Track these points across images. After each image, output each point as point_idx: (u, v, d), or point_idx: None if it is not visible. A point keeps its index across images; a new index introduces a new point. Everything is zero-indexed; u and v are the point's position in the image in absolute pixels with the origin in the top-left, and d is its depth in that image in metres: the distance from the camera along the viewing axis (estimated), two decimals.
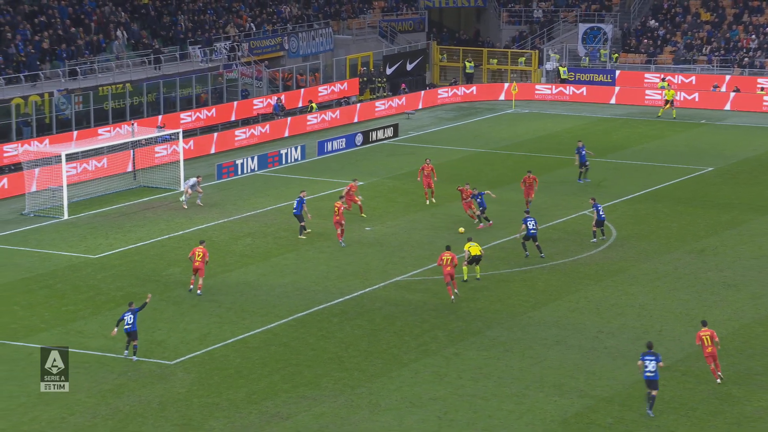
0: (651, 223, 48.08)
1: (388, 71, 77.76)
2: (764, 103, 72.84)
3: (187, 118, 63.70)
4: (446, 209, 49.43)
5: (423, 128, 68.66)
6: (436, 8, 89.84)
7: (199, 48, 69.64)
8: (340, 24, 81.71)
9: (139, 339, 33.77)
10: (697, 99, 73.81)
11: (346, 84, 73.90)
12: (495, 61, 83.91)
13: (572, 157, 56.08)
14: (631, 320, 37.06)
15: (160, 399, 31.17)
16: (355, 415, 30.30)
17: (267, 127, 64.83)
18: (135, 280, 40.89)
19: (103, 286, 40.36)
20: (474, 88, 77.82)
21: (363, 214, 48.32)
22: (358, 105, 72.01)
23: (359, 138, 63.83)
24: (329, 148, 62.00)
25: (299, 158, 60.05)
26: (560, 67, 79.07)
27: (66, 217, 49.05)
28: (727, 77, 75.83)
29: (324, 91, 72.23)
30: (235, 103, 67.15)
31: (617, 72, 78.41)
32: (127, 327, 33.36)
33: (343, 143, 62.91)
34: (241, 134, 63.66)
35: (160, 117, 61.56)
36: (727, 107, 73.09)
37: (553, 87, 77.54)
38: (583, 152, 54.35)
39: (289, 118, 66.76)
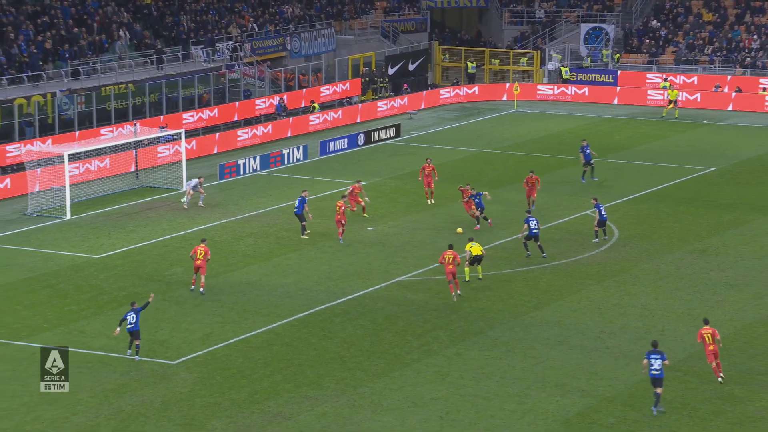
0: (653, 223, 48.10)
1: (390, 71, 77.81)
2: (766, 104, 72.84)
3: (190, 118, 63.76)
4: (448, 209, 49.46)
5: (425, 128, 68.69)
6: (438, 8, 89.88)
7: (201, 48, 69.71)
8: (342, 24, 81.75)
9: (141, 339, 33.81)
10: (699, 99, 73.82)
11: (348, 84, 73.95)
12: (497, 61, 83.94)
13: (574, 157, 56.10)
14: (633, 320, 37.09)
15: (162, 399, 31.21)
16: (357, 414, 30.33)
17: (269, 127, 64.88)
18: (137, 280, 40.94)
19: (105, 286, 40.41)
20: (476, 89, 77.85)
21: (365, 215, 48.36)
22: (360, 105, 72.06)
23: (361, 138, 63.87)
24: (331, 148, 62.04)
25: (301, 158, 60.10)
26: (562, 68, 79.09)
27: (68, 217, 49.10)
28: (729, 77, 75.83)
29: (326, 91, 72.27)
30: (238, 103, 67.22)
31: (619, 72, 78.44)
32: (129, 326, 33.40)
33: (345, 143, 62.95)
34: (243, 134, 63.72)
35: (161, 117, 61.59)
36: (729, 107, 73.10)
37: (555, 87, 77.56)
38: (588, 151, 54.38)
39: (291, 119, 66.83)
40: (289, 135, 65.41)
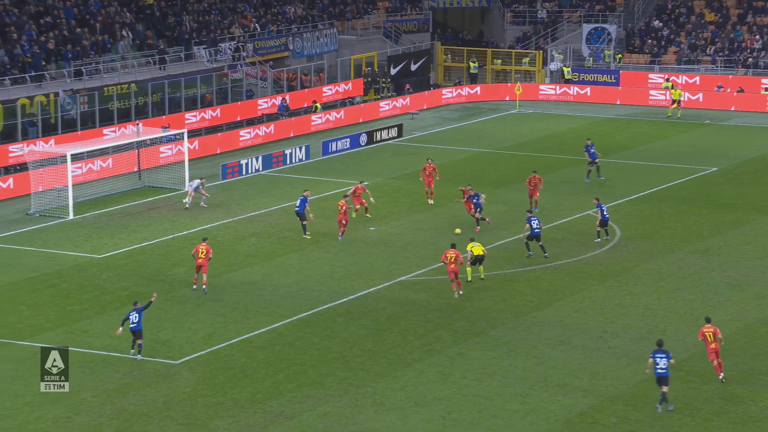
0: (655, 223, 48.13)
1: (393, 71, 77.85)
2: None
3: (192, 118, 63.81)
4: (450, 209, 49.48)
5: (427, 128, 68.73)
6: (440, 8, 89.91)
7: (204, 48, 69.78)
8: (344, 24, 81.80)
9: (144, 338, 33.87)
10: (701, 99, 73.83)
11: (350, 84, 73.98)
12: (499, 61, 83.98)
13: (575, 157, 56.13)
14: (635, 320, 37.12)
15: (165, 398, 31.26)
16: (359, 414, 30.38)
17: (271, 127, 64.93)
18: (140, 280, 41.00)
19: (108, 286, 40.47)
20: (478, 89, 77.89)
21: (368, 214, 48.40)
22: (363, 105, 72.10)
23: (363, 138, 63.91)
24: (333, 148, 62.09)
25: (304, 158, 60.15)
26: (564, 68, 79.12)
27: (71, 217, 49.16)
28: (731, 77, 75.82)
29: (328, 91, 72.31)
30: (240, 103, 67.28)
31: (621, 72, 78.45)
32: (132, 326, 33.46)
33: (348, 143, 62.98)
34: (245, 134, 63.77)
35: (164, 118, 61.65)
36: (732, 107, 73.10)
37: (557, 87, 77.58)
38: (592, 150, 54.42)
39: (293, 118, 66.87)
40: (291, 135, 65.46)
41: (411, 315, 37.56)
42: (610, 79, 78.44)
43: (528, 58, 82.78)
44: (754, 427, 29.78)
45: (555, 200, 51.07)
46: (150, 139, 56.46)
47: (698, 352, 33.41)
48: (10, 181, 52.75)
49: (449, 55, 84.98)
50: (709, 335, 31.79)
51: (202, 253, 39.23)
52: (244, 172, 56.95)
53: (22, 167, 53.91)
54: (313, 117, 67.53)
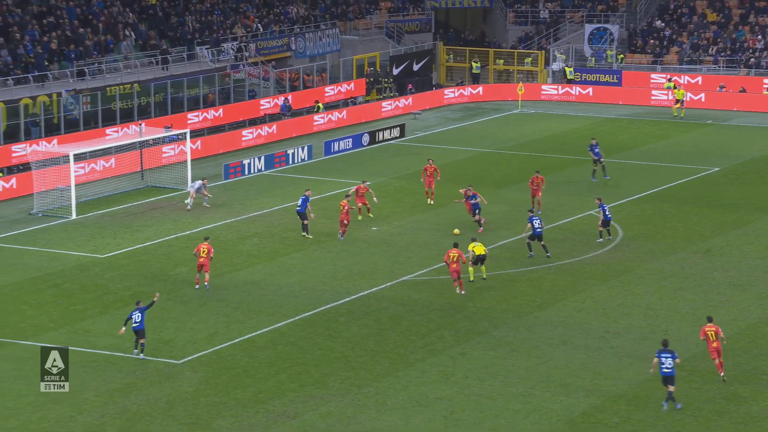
0: (657, 223, 48.15)
1: (395, 71, 77.88)
2: None
3: (195, 118, 63.86)
4: (453, 210, 49.49)
5: (429, 128, 68.76)
6: (443, 9, 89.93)
7: (206, 48, 69.84)
8: (346, 24, 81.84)
9: (146, 338, 33.92)
10: (703, 99, 73.83)
11: (352, 84, 74.02)
12: (501, 61, 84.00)
13: (577, 157, 56.16)
14: (638, 320, 37.15)
15: (167, 398, 31.30)
16: (361, 414, 30.42)
17: (274, 127, 64.97)
18: (143, 280, 41.05)
19: (111, 286, 40.52)
20: (480, 89, 77.91)
21: (370, 214, 48.44)
22: (365, 105, 72.13)
23: (366, 138, 63.95)
24: (336, 148, 62.13)
25: (306, 158, 60.19)
26: (566, 68, 79.13)
27: (74, 216, 49.22)
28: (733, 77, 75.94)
29: (331, 91, 72.35)
30: (242, 103, 67.32)
31: (623, 72, 78.47)
32: (135, 325, 33.52)
33: (350, 143, 63.02)
34: (248, 134, 63.81)
35: (166, 118, 61.76)
36: (734, 107, 73.09)
37: (560, 87, 77.60)
38: (596, 150, 54.45)
39: (295, 119, 66.91)
40: (293, 135, 65.50)
41: (413, 315, 37.60)
42: (613, 79, 78.45)
43: (530, 59, 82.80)
44: (756, 426, 29.80)
45: (557, 200, 51.09)
46: (153, 139, 56.52)
47: (700, 351, 33.44)
48: (13, 181, 52.82)
49: (451, 56, 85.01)
50: (711, 334, 31.84)
51: (204, 252, 39.35)
52: (246, 172, 57.00)
53: (24, 167, 53.99)
54: (316, 117, 67.58)
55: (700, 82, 75.98)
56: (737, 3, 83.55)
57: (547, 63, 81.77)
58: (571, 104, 75.74)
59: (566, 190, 53.21)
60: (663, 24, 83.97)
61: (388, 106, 72.07)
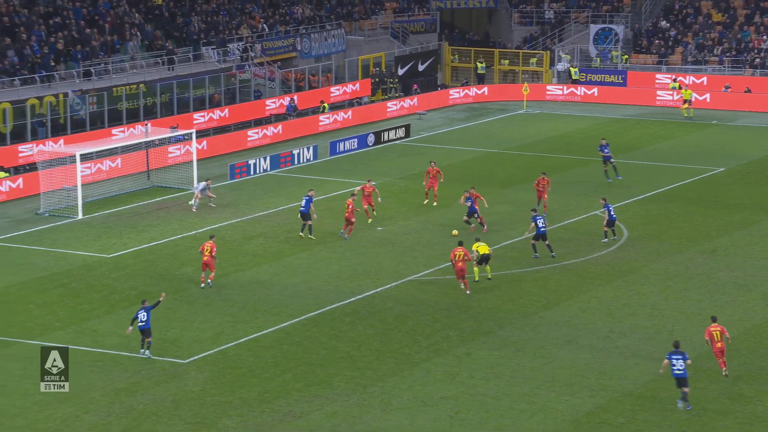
0: (662, 223, 48.18)
1: (400, 72, 77.95)
2: None
3: (200, 118, 63.98)
4: (457, 210, 49.53)
5: (434, 129, 68.82)
6: (448, 9, 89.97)
7: (212, 49, 69.93)
8: (352, 25, 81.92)
9: (153, 337, 34.00)
10: (708, 100, 73.83)
11: (358, 84, 74.10)
12: (506, 61, 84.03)
13: (583, 157, 56.20)
14: (643, 320, 37.18)
15: (173, 397, 31.39)
16: (367, 413, 30.48)
17: (279, 127, 65.06)
18: (149, 279, 41.15)
19: (117, 285, 40.62)
20: (485, 89, 77.96)
21: (374, 212, 48.50)
22: (370, 105, 72.20)
23: (371, 138, 64.02)
24: (341, 148, 62.21)
25: (311, 158, 60.28)
26: (571, 68, 79.16)
27: (80, 216, 49.33)
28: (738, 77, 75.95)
29: (336, 91, 72.43)
30: (248, 103, 67.41)
31: (628, 73, 78.48)
32: (141, 324, 33.62)
33: (355, 143, 63.10)
34: (253, 134, 63.91)
35: (172, 118, 61.86)
36: (739, 108, 73.07)
37: (565, 88, 77.63)
38: (606, 150, 54.46)
39: (301, 119, 66.99)
40: (299, 135, 65.58)
41: (418, 315, 37.66)
42: (618, 79, 78.48)
43: (535, 59, 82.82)
44: (761, 426, 29.82)
45: (562, 200, 51.12)
46: (158, 140, 56.62)
47: (705, 351, 33.45)
48: (20, 180, 52.94)
49: (456, 56, 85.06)
50: (716, 334, 31.88)
51: (207, 250, 39.55)
52: (252, 172, 57.09)
53: (31, 167, 54.10)
54: (321, 117, 67.66)
55: (705, 83, 75.99)
56: (742, 3, 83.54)
57: (552, 63, 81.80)
58: (576, 104, 75.76)
59: (571, 190, 53.24)
60: (668, 24, 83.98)
61: (393, 106, 72.14)
